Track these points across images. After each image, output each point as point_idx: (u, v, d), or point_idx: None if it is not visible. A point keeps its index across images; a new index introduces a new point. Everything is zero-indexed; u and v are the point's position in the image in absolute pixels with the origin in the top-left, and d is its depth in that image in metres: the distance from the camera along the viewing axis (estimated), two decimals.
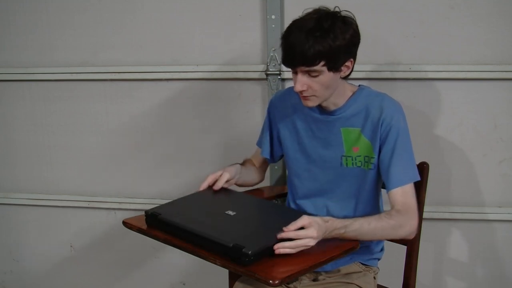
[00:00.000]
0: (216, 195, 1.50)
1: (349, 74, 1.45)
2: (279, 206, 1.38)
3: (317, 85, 1.38)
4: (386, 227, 1.35)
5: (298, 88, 1.38)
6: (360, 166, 1.49)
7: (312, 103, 1.42)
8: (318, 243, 1.27)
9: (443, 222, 2.01)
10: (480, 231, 2.00)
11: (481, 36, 1.86)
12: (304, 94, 1.40)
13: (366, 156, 1.48)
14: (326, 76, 1.37)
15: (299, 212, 1.36)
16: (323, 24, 1.33)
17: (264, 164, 1.76)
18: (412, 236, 1.41)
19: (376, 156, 1.46)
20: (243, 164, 1.69)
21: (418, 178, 1.46)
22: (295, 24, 1.37)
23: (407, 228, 1.38)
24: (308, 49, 1.31)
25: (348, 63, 1.40)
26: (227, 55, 2.06)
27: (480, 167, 1.95)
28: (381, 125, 1.43)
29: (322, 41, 1.32)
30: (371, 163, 1.47)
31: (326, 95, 1.42)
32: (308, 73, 1.36)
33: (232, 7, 2.03)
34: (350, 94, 1.49)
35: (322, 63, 1.34)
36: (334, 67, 1.36)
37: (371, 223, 1.33)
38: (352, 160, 1.49)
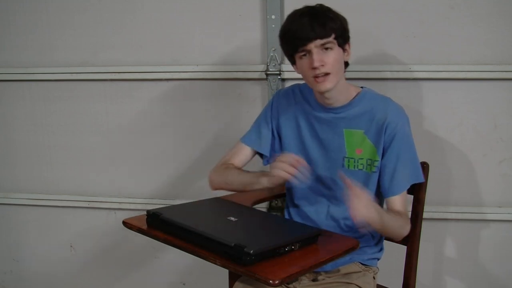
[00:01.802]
0: (217, 204, 1.50)
1: (348, 64, 1.48)
2: (280, 217, 1.39)
3: (330, 60, 1.39)
4: (399, 225, 1.43)
5: (317, 63, 1.38)
6: (362, 169, 1.49)
7: (330, 83, 1.41)
8: (319, 243, 1.28)
9: (443, 222, 2.01)
10: (480, 231, 2.00)
11: (481, 36, 1.87)
12: (322, 70, 1.39)
13: (369, 159, 1.48)
14: (337, 51, 1.41)
15: (301, 224, 1.37)
16: (322, 7, 1.42)
17: (246, 163, 1.67)
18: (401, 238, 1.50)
19: (380, 159, 1.47)
20: (237, 169, 1.60)
21: (421, 180, 1.49)
22: (295, 12, 1.42)
23: (407, 229, 1.47)
24: (323, 22, 1.37)
25: (347, 46, 1.46)
26: (227, 55, 2.06)
27: (480, 167, 1.95)
28: (386, 130, 1.44)
29: (330, 16, 1.40)
30: (375, 166, 1.47)
31: (338, 74, 1.42)
32: (323, 47, 1.39)
33: (232, 7, 2.03)
34: (354, 94, 1.50)
35: (333, 35, 1.39)
36: (342, 43, 1.42)
37: (391, 218, 1.40)
38: (355, 162, 1.49)
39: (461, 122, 1.94)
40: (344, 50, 1.44)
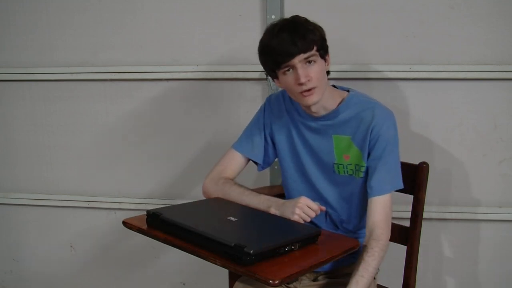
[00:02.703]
0: (217, 204, 1.50)
1: (329, 73, 1.47)
2: (280, 217, 1.39)
3: (315, 74, 1.38)
4: (375, 266, 1.38)
5: (303, 79, 1.36)
6: (351, 174, 1.49)
7: (316, 96, 1.40)
8: (319, 243, 1.28)
9: (443, 222, 2.01)
10: (480, 231, 2.00)
11: (481, 36, 1.87)
12: (309, 86, 1.38)
13: (356, 164, 1.47)
14: (320, 63, 1.40)
15: (301, 224, 1.37)
16: (299, 20, 1.40)
17: (241, 171, 1.65)
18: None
19: (366, 165, 1.46)
20: (238, 185, 1.57)
21: (401, 186, 1.47)
22: (273, 27, 1.40)
23: (385, 250, 1.42)
24: (303, 36, 1.36)
25: (327, 56, 1.45)
26: (227, 55, 2.06)
27: (480, 167, 1.95)
28: (371, 133, 1.43)
29: (309, 28, 1.38)
30: (362, 171, 1.47)
31: (323, 86, 1.42)
32: (306, 61, 1.37)
33: (232, 7, 2.03)
34: (339, 100, 1.48)
35: (315, 47, 1.38)
36: (323, 54, 1.42)
37: (363, 275, 1.35)
38: (344, 168, 1.49)
39: (461, 122, 1.94)
40: (325, 60, 1.44)
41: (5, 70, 2.26)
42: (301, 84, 1.37)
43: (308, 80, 1.37)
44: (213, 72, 2.07)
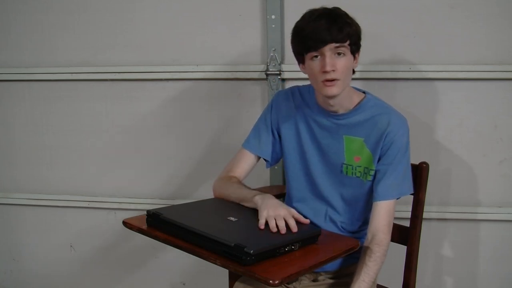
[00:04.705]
0: (217, 204, 1.50)
1: (354, 72, 1.47)
2: None
3: (341, 66, 1.38)
4: (376, 271, 1.41)
5: (329, 67, 1.36)
6: (359, 177, 1.49)
7: (337, 89, 1.40)
8: (319, 243, 1.28)
9: (442, 222, 2.01)
10: (480, 231, 2.00)
11: (481, 36, 1.87)
12: (333, 75, 1.38)
13: (366, 167, 1.47)
14: (348, 58, 1.40)
15: (301, 224, 1.37)
16: (340, 11, 1.40)
17: (250, 169, 1.65)
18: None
19: (375, 168, 1.46)
20: (239, 182, 1.58)
21: (408, 193, 1.49)
22: (312, 12, 1.40)
23: (386, 255, 1.44)
24: (340, 27, 1.36)
25: (357, 54, 1.44)
26: (227, 55, 2.06)
27: (480, 167, 1.95)
28: (385, 138, 1.44)
29: (348, 21, 1.38)
30: (370, 174, 1.47)
31: (346, 81, 1.42)
32: (336, 51, 1.37)
33: (232, 7, 2.03)
34: (357, 101, 1.49)
35: (348, 41, 1.38)
36: (354, 50, 1.41)
37: (365, 280, 1.38)
38: (352, 169, 1.49)
39: (461, 122, 1.94)
40: (354, 57, 1.43)
41: (5, 70, 2.26)
42: (325, 72, 1.37)
43: (333, 71, 1.37)
44: (213, 72, 2.07)
